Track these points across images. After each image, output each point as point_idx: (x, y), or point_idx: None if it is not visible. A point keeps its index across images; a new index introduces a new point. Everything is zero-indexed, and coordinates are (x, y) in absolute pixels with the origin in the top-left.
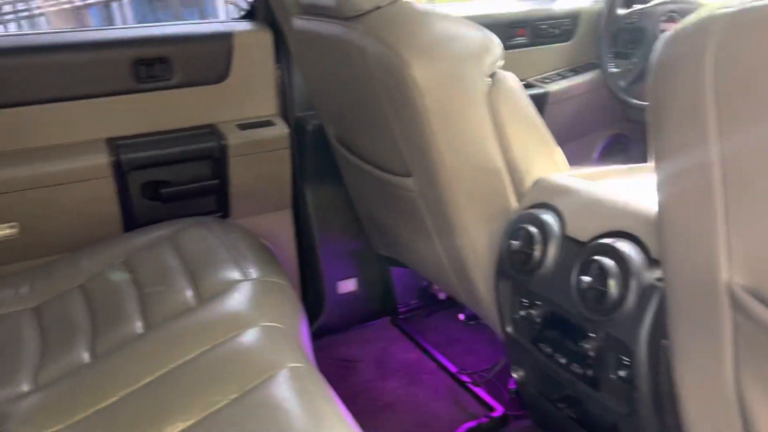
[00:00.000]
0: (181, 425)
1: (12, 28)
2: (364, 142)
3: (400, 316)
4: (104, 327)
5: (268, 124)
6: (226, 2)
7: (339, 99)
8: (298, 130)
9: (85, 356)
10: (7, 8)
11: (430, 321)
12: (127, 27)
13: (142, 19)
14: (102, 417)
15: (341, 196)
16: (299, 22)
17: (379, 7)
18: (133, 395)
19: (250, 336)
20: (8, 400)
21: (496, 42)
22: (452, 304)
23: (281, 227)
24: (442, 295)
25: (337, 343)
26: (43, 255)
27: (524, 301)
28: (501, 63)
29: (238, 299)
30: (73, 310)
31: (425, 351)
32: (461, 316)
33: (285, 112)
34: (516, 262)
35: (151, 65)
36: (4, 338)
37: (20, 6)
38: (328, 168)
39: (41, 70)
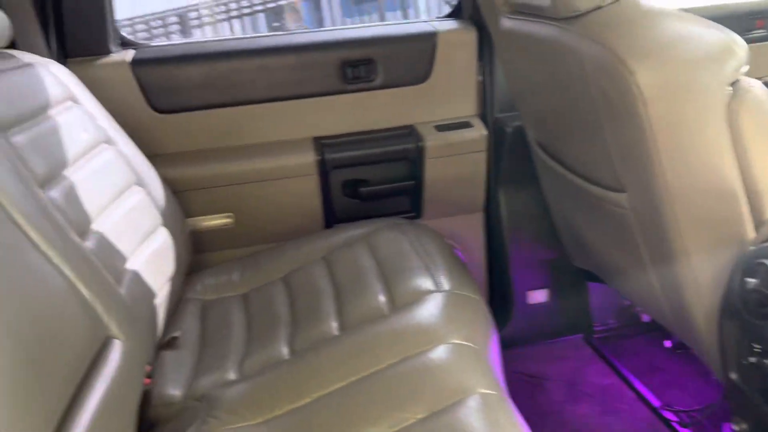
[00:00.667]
0: None
1: (235, 24)
2: (570, 149)
3: (596, 335)
4: (303, 322)
5: (466, 125)
6: None
7: (545, 102)
8: (496, 131)
9: (285, 351)
10: (232, 5)
11: (629, 344)
12: (334, 29)
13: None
14: (297, 416)
15: (537, 202)
16: (508, 22)
17: (599, 7)
18: (326, 398)
19: (441, 353)
20: (217, 385)
21: (740, 44)
22: (656, 327)
23: (472, 230)
24: (645, 318)
25: (524, 357)
26: (253, 244)
27: (756, 347)
28: (745, 69)
29: (430, 311)
30: (276, 301)
31: (623, 377)
32: (667, 343)
33: (484, 113)
34: (750, 303)
35: (356, 66)
36: (217, 322)
37: (244, 3)
38: (525, 172)
39: (258, 72)
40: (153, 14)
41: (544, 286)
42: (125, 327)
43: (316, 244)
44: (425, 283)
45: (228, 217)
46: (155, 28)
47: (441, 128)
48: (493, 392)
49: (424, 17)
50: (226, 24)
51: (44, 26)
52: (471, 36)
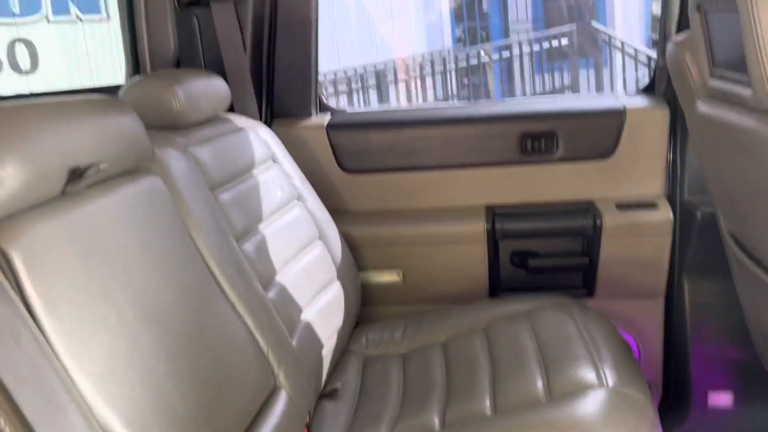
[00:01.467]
0: None
1: (427, 81)
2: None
3: None
4: (457, 394)
5: (650, 206)
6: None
7: (742, 193)
8: (684, 214)
9: (436, 421)
10: (426, 64)
11: None
12: (516, 101)
13: (538, 67)
14: None
15: (726, 295)
16: (704, 107)
17: None
18: None
19: None
20: None
21: None
22: None
23: (648, 317)
24: None
25: None
26: (418, 303)
27: None
28: None
29: (589, 408)
30: (433, 366)
31: None
32: None
33: (672, 194)
34: None
35: (536, 139)
36: (375, 379)
37: (437, 62)
38: (715, 261)
39: (439, 141)
40: (353, 68)
41: (729, 388)
42: (292, 378)
43: (479, 314)
44: (588, 374)
45: (397, 274)
46: (353, 81)
47: (622, 207)
48: None
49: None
50: (418, 81)
51: (258, 91)
52: (663, 114)
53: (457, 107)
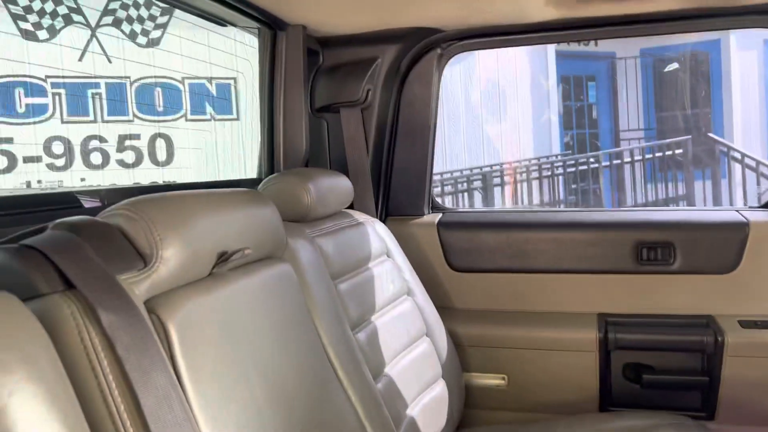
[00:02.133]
0: None
1: (534, 185)
2: None
3: None
4: None
5: None
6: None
7: None
8: None
9: None
10: (533, 168)
11: None
12: (632, 210)
13: (650, 176)
14: None
15: None
16: None
17: None
18: None
19: None
20: None
21: None
22: None
23: None
24: None
25: None
26: (522, 410)
27: None
28: None
29: None
30: None
31: None
32: None
33: None
34: None
35: (653, 249)
36: None
37: (545, 166)
38: None
39: (551, 244)
40: (459, 170)
41: None
42: None
43: (590, 428)
44: None
45: (501, 378)
46: (460, 182)
47: (747, 324)
48: None
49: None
50: (524, 185)
51: (375, 189)
52: None
53: (571, 211)
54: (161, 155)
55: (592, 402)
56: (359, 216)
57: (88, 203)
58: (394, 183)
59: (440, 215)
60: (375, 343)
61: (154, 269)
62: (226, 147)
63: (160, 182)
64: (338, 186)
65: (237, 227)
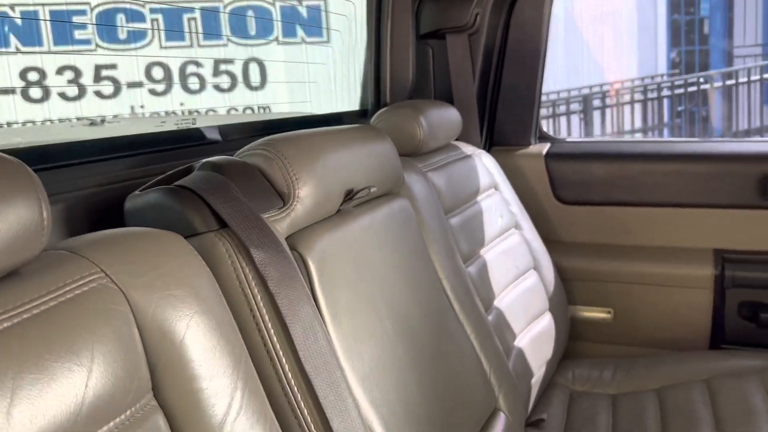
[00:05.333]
0: None
1: (637, 108)
2: None
3: None
4: None
5: None
6: None
7: None
8: None
9: None
10: (638, 89)
11: None
12: (758, 140)
13: (766, 98)
14: None
15: None
16: None
17: None
18: None
19: None
20: None
21: None
22: None
23: None
24: None
25: None
26: (628, 344)
27: None
28: None
29: None
30: (647, 414)
31: None
32: None
33: None
34: None
35: None
36: (582, 415)
37: (650, 87)
38: None
39: (667, 177)
40: (557, 91)
41: None
42: (510, 402)
43: (700, 364)
44: None
45: (608, 312)
46: (558, 104)
47: None
48: None
49: None
50: (628, 108)
51: (481, 120)
52: None
53: (689, 141)
54: (255, 79)
55: (703, 339)
56: (466, 148)
57: (208, 137)
58: (500, 112)
59: (548, 145)
60: (485, 277)
61: (292, 207)
62: (318, 72)
63: (255, 107)
64: (448, 118)
65: (361, 164)
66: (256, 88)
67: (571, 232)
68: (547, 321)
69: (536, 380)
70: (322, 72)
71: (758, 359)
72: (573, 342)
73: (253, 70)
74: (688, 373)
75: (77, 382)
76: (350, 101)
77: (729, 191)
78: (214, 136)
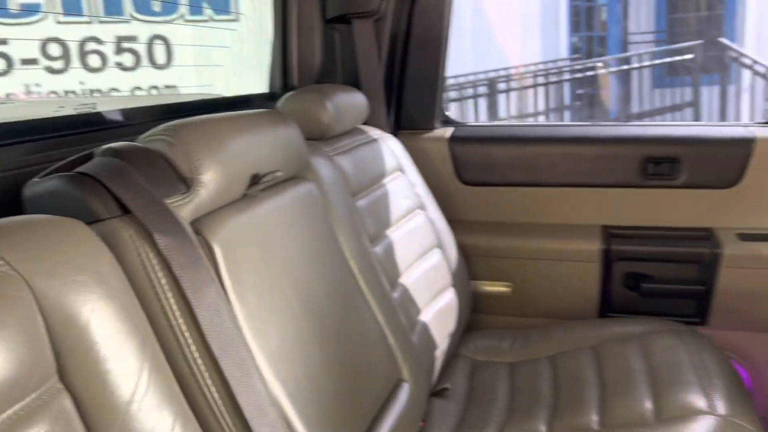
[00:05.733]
0: None
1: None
2: None
3: None
4: (564, 407)
5: None
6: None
7: None
8: None
9: (543, 430)
10: (540, 73)
11: None
12: (641, 125)
13: (658, 83)
14: None
15: None
16: None
17: None
18: None
19: None
20: None
21: None
22: None
23: (763, 351)
24: None
25: None
26: (525, 315)
27: None
28: None
29: None
30: (541, 379)
31: None
32: None
33: None
34: None
35: (659, 163)
36: (483, 383)
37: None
38: None
39: (560, 158)
40: (464, 75)
41: None
42: (414, 373)
43: (588, 332)
44: (698, 401)
45: (507, 286)
46: (465, 88)
47: (745, 237)
48: None
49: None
50: (531, 91)
51: (387, 104)
52: None
53: (580, 126)
54: (160, 58)
55: (592, 309)
56: (373, 132)
57: (110, 121)
58: (406, 97)
59: (452, 129)
60: (391, 256)
61: (195, 193)
62: (224, 52)
63: (161, 86)
64: (354, 102)
65: (266, 149)
66: (161, 67)
67: (472, 212)
68: (450, 296)
69: (440, 352)
70: (229, 53)
71: (639, 325)
72: (475, 315)
73: (158, 48)
74: (577, 341)
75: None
76: (259, 82)
77: (615, 172)
78: (117, 119)
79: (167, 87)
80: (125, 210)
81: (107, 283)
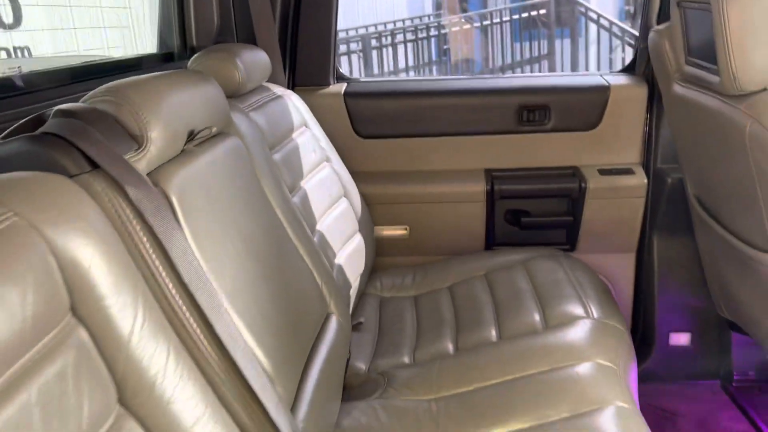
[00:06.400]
0: (519, 426)
1: (409, 48)
2: (726, 209)
3: (734, 384)
4: (466, 326)
5: (628, 172)
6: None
7: (707, 164)
8: (656, 180)
9: (450, 347)
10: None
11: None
12: (515, 76)
13: (517, 37)
14: (460, 399)
15: (689, 251)
16: (679, 89)
17: (765, 90)
18: (485, 389)
19: (585, 369)
20: (394, 366)
21: None
22: None
23: (622, 269)
24: None
25: (659, 392)
26: (422, 254)
27: None
28: None
29: (578, 334)
30: (442, 306)
31: (755, 426)
32: None
33: (646, 162)
34: None
35: (532, 111)
36: (392, 316)
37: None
38: (680, 221)
39: (445, 110)
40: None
41: (687, 330)
42: (339, 307)
43: (479, 263)
44: (577, 309)
45: (404, 229)
46: (341, 44)
47: (604, 172)
48: (628, 406)
49: (593, 47)
50: (401, 47)
51: (284, 61)
52: (642, 91)
53: (462, 79)
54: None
55: (480, 244)
56: (276, 89)
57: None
58: (301, 54)
59: (345, 85)
60: (307, 205)
61: (147, 149)
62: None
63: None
64: (259, 60)
65: (197, 106)
66: (10, 27)
67: (372, 163)
68: (358, 240)
69: (353, 291)
70: (120, 12)
71: (522, 254)
72: (380, 257)
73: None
74: (470, 271)
75: (14, 308)
76: (151, 43)
77: (494, 120)
78: (19, 84)
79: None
80: (94, 165)
81: (98, 230)
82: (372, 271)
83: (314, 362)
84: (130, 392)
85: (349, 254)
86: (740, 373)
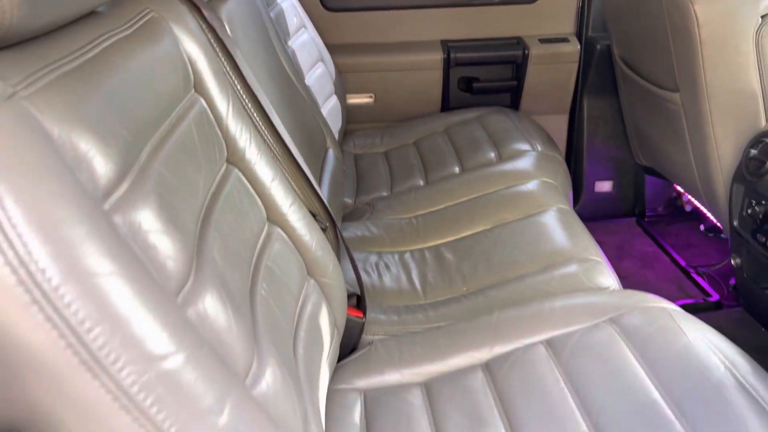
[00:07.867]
0: (483, 227)
1: None
2: (644, 61)
3: (646, 219)
4: (432, 167)
5: (564, 40)
6: None
7: (629, 24)
8: (588, 47)
9: (421, 182)
10: None
11: (672, 228)
12: None
13: None
14: (434, 214)
15: (614, 110)
16: None
17: None
18: (452, 207)
19: (532, 185)
20: (375, 199)
21: None
22: (696, 217)
23: (557, 128)
24: (688, 208)
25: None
26: (386, 120)
27: (752, 201)
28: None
29: (526, 162)
30: (410, 156)
31: (662, 247)
32: (702, 227)
33: (579, 32)
34: (750, 167)
35: None
36: (368, 165)
37: None
38: (607, 84)
39: None
40: None
41: (610, 178)
42: (331, 143)
43: (439, 121)
44: (524, 146)
45: (370, 96)
46: None
47: (543, 41)
48: (566, 207)
49: None
50: None
51: None
52: None
53: None
54: None
55: (437, 107)
56: None
57: None
58: None
59: None
60: (296, 61)
61: None
62: None
63: None
64: None
65: None
66: None
67: (340, 35)
68: (335, 101)
69: None
70: None
71: (475, 112)
72: (351, 124)
73: None
74: (431, 128)
75: (170, 79)
76: None
77: None
78: None
79: None
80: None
81: (198, 36)
82: (346, 133)
83: (323, 179)
84: (230, 152)
85: (329, 112)
86: (651, 210)
